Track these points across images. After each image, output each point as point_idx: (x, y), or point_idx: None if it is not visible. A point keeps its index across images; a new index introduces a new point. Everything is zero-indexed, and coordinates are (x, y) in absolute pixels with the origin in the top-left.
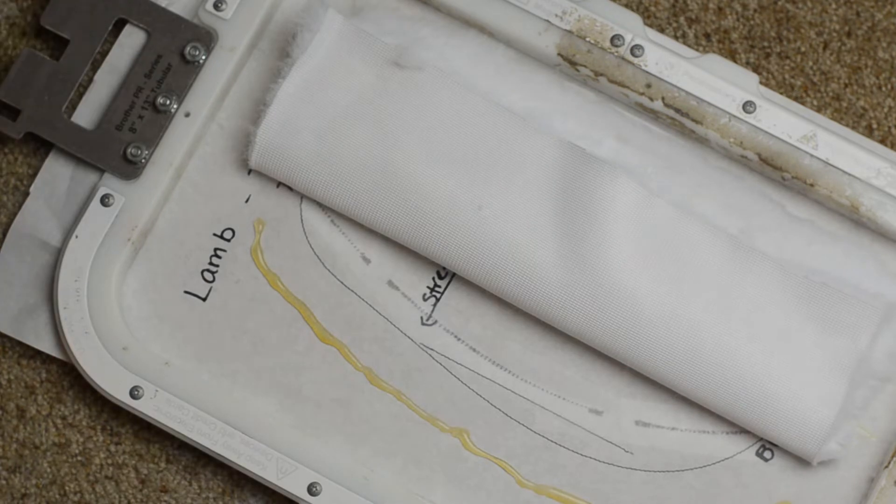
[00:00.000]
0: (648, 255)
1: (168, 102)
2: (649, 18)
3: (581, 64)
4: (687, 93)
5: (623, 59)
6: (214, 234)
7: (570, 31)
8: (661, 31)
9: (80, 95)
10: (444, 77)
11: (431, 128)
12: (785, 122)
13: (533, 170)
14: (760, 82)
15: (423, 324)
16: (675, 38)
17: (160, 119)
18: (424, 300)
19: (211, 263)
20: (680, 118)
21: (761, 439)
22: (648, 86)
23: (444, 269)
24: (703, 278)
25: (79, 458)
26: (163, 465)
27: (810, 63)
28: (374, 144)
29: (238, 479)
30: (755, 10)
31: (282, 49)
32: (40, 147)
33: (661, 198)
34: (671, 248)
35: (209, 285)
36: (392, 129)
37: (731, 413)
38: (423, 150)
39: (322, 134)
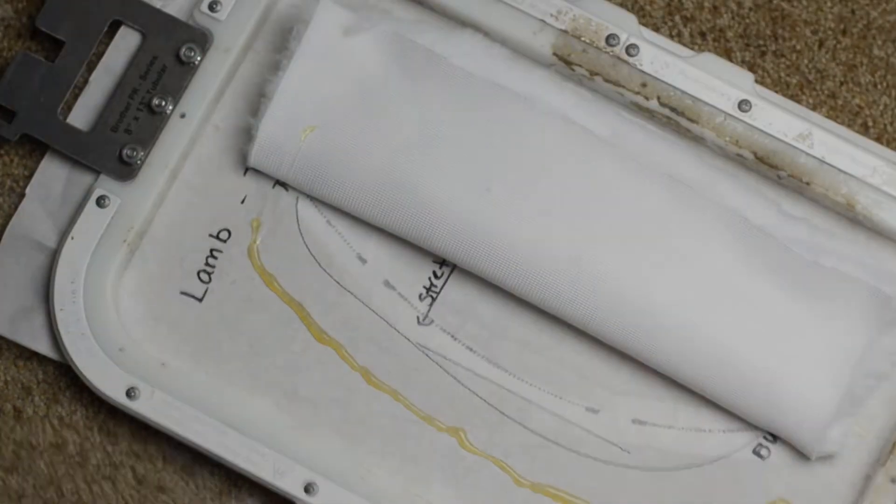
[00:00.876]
0: (654, 241)
1: (163, 103)
2: (644, 17)
3: (576, 63)
4: (682, 92)
5: (618, 58)
6: (210, 235)
7: (565, 31)
8: (657, 30)
9: (76, 97)
10: (444, 62)
11: (434, 112)
12: (780, 121)
13: (540, 152)
14: (756, 81)
15: (419, 323)
16: (671, 37)
17: (155, 120)
18: (421, 300)
19: (207, 264)
20: (675, 117)
21: (758, 437)
22: (644, 85)
23: (440, 268)
24: (706, 270)
25: (76, 458)
26: (160, 464)
27: (806, 61)
28: (376, 133)
29: (235, 478)
30: (750, 9)
31: (278, 48)
32: (36, 149)
33: (660, 183)
34: (676, 235)
35: (205, 286)
36: (394, 115)
37: (730, 405)
38: (426, 136)
39: (322, 126)
